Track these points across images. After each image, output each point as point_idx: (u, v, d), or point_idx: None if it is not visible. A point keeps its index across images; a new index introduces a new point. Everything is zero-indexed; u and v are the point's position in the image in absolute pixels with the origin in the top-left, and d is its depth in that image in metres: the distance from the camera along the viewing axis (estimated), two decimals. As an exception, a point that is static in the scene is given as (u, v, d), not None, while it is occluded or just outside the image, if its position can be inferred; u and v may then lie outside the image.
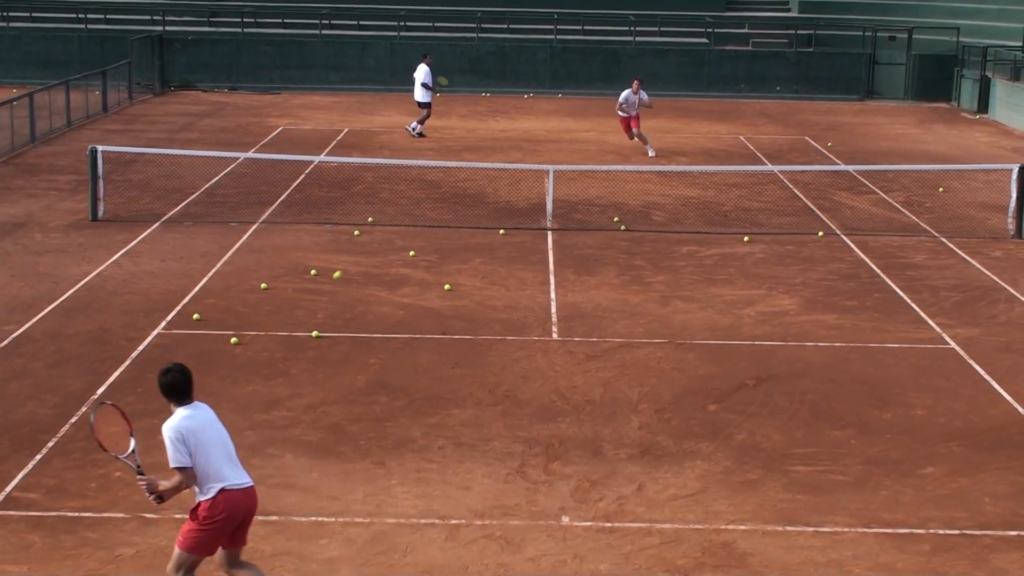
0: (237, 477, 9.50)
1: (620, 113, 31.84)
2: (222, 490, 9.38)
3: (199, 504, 9.43)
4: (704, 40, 46.76)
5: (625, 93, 31.40)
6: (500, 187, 26.91)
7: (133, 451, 9.56)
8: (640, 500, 12.11)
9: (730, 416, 14.31)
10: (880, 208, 25.79)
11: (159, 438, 13.22)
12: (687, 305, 18.56)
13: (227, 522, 9.46)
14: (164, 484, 9.40)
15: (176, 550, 9.55)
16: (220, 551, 9.69)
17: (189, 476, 9.31)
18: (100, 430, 9.59)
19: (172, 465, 9.28)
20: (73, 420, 13.66)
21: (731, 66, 45.47)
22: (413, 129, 34.13)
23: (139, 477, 9.46)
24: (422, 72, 34.23)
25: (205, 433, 9.40)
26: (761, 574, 10.76)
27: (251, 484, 9.59)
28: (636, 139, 31.70)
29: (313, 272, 19.71)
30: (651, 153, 31.03)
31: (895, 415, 14.46)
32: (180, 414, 9.39)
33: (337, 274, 19.59)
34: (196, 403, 9.54)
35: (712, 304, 18.63)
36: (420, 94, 34.21)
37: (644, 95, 31.39)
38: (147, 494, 9.46)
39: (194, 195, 25.46)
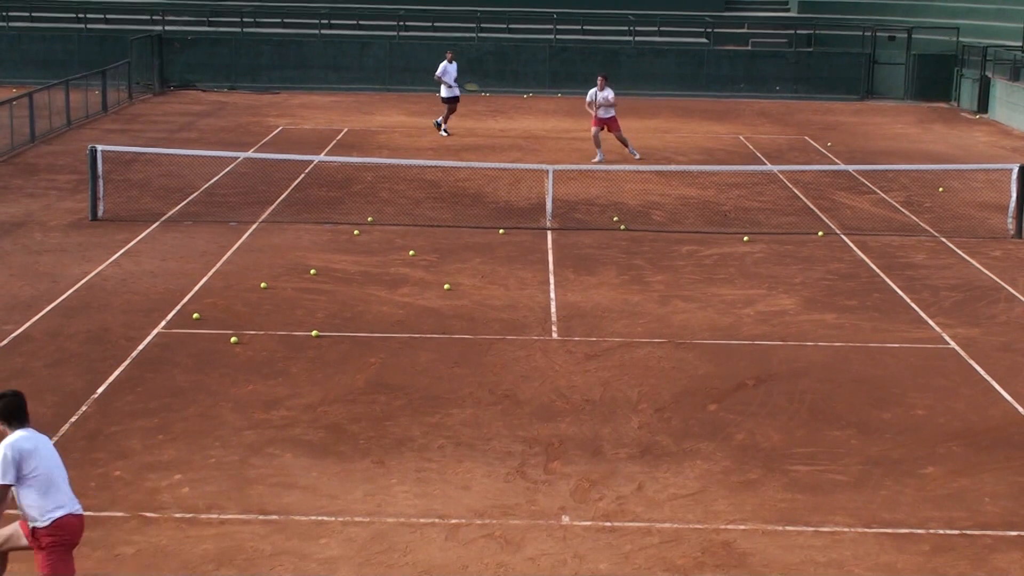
0: (75, 503, 9.39)
1: (589, 111, 31.14)
2: (67, 515, 9.27)
3: (37, 531, 9.25)
4: (703, 40, 46.77)
5: (591, 91, 30.95)
6: (500, 187, 26.91)
7: None
8: (640, 500, 12.11)
9: (730, 416, 14.30)
10: (880, 208, 25.79)
11: (158, 437, 13.24)
12: (687, 305, 18.56)
13: (71, 544, 9.38)
14: None
15: None
16: None
17: (3, 495, 9.10)
18: None
19: None
20: (73, 419, 13.65)
21: (730, 66, 45.45)
22: (439, 127, 34.56)
23: None
24: (440, 68, 34.67)
25: (44, 454, 9.24)
26: (761, 574, 10.76)
27: (82, 512, 9.46)
28: (619, 143, 31.09)
29: (313, 272, 19.71)
30: (636, 156, 30.77)
31: (895, 415, 14.46)
32: (19, 434, 9.20)
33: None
34: (31, 429, 9.33)
35: (712, 304, 18.63)
36: (442, 91, 34.66)
37: (609, 93, 30.71)
38: None
39: (194, 195, 25.46)
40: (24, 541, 9.46)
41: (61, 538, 9.28)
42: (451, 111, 34.56)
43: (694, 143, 34.14)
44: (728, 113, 40.79)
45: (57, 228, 22.42)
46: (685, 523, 11.63)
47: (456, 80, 34.65)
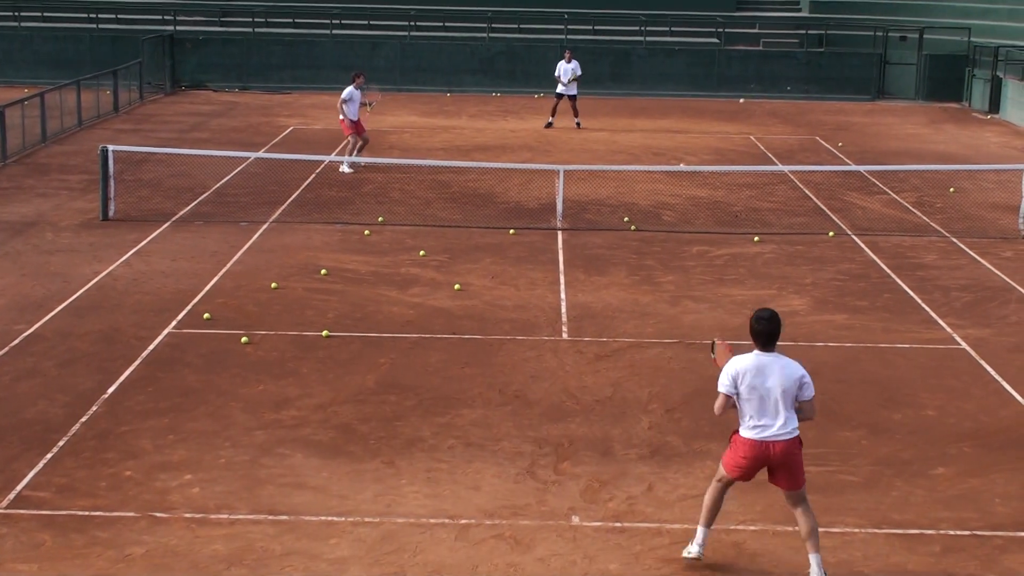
0: (772, 430, 10.63)
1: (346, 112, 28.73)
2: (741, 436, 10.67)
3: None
4: (714, 40, 46.75)
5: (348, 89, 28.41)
6: (510, 187, 26.91)
7: None
8: (650, 500, 12.10)
9: (740, 416, 14.27)
10: (891, 208, 25.75)
11: (169, 437, 13.25)
12: (697, 305, 18.54)
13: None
14: None
15: None
16: None
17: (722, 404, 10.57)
18: None
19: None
20: (83, 419, 13.68)
21: (741, 66, 45.43)
22: (579, 125, 36.43)
23: None
24: (566, 69, 36.40)
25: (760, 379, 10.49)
26: (771, 574, 10.75)
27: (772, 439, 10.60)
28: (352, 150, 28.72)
29: (323, 272, 19.73)
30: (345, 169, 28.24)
31: (905, 416, 14.44)
32: (745, 356, 10.56)
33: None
34: (764, 354, 10.64)
35: (722, 304, 18.61)
36: (567, 88, 36.45)
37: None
38: None
39: (204, 195, 25.50)
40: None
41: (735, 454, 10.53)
42: (555, 107, 36.74)
43: (705, 143, 34.12)
44: (739, 113, 40.76)
45: (68, 228, 22.47)
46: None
47: (570, 79, 36.30)
